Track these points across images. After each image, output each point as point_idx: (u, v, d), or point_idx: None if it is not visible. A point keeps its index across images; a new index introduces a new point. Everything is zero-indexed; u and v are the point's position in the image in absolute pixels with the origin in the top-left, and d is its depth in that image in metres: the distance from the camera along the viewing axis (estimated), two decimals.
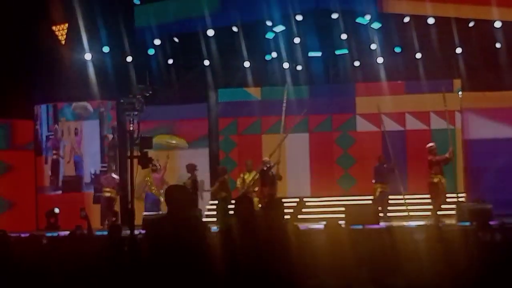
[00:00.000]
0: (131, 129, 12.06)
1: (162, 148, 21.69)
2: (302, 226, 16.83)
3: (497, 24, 20.64)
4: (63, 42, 21.70)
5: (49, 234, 14.75)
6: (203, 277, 5.90)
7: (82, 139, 22.52)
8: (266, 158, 19.67)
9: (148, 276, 6.00)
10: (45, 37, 21.43)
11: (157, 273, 5.94)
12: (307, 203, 20.97)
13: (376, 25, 21.69)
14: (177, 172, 22.04)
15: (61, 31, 21.71)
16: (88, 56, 21.66)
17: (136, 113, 12.40)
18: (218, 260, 6.13)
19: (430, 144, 18.50)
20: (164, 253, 6.05)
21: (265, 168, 19.00)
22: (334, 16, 21.48)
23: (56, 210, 21.16)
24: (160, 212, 18.82)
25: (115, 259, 7.82)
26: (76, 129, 22.57)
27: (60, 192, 22.44)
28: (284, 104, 19.87)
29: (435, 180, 18.05)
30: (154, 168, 19.44)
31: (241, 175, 19.52)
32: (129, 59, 21.97)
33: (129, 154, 12.16)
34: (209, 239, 6.25)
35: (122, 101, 13.16)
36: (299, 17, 21.50)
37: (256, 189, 18.88)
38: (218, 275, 5.99)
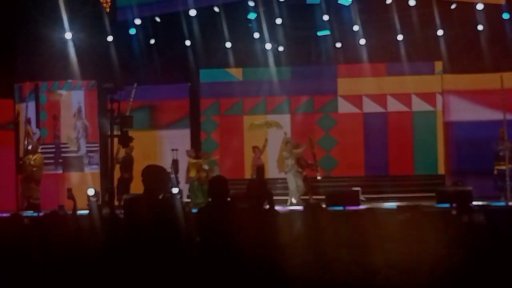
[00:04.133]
0: (111, 108, 11.99)
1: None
2: (283, 207, 16.92)
3: (479, 7, 20.66)
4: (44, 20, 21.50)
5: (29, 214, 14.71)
6: (177, 257, 5.90)
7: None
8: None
9: (125, 255, 6.00)
10: (26, 15, 21.22)
11: (133, 252, 5.94)
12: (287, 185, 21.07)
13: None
14: (158, 153, 22.04)
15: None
16: (68, 35, 21.48)
17: (116, 93, 12.33)
18: (194, 241, 6.13)
19: None
20: (140, 232, 6.05)
21: None
22: None
23: None
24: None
25: (95, 239, 7.80)
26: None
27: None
28: None
29: None
30: None
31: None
32: (109, 38, 21.83)
33: (109, 133, 12.10)
34: (186, 219, 6.25)
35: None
36: None
37: None
38: (193, 255, 5.99)
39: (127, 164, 19.82)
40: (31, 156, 20.05)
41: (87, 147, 22.20)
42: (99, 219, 9.92)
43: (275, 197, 7.30)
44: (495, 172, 19.06)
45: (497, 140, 19.02)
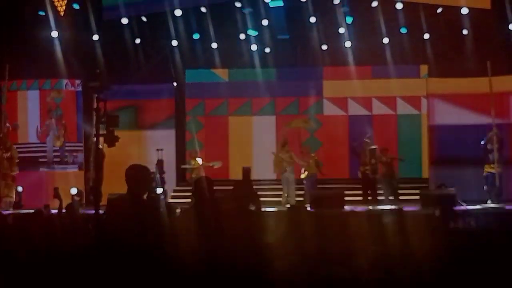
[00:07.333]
0: (97, 107, 11.96)
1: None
2: (267, 208, 16.89)
3: (464, 11, 20.74)
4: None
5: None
6: (160, 257, 5.90)
7: None
8: None
9: (107, 255, 6.00)
10: (12, 13, 21.13)
11: (116, 252, 5.94)
12: (272, 187, 21.05)
13: (344, 9, 21.67)
14: (143, 154, 21.96)
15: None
16: (54, 34, 21.40)
17: (102, 92, 12.30)
18: (178, 242, 6.13)
19: None
20: (123, 232, 6.04)
21: None
22: None
23: (19, 189, 20.94)
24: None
25: (76, 237, 7.79)
26: None
27: None
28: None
29: None
30: None
31: None
32: (95, 37, 21.77)
33: (94, 132, 12.08)
34: (169, 220, 6.25)
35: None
36: None
37: None
38: (176, 256, 6.00)
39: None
40: (4, 152, 19.95)
41: (68, 146, 22.11)
42: (79, 219, 9.92)
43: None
44: (484, 174, 19.15)
45: (486, 139, 19.09)
